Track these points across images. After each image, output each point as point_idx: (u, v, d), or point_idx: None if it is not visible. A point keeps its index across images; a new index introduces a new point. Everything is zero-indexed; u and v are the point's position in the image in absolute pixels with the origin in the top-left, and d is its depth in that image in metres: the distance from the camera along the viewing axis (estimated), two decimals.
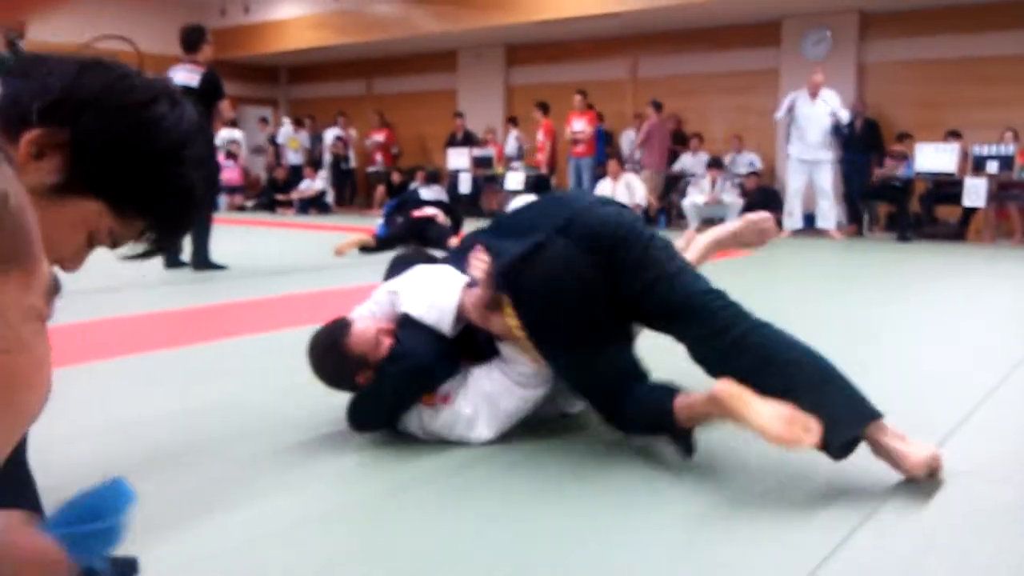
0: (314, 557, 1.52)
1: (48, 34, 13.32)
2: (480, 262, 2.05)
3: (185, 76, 5.82)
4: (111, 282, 5.28)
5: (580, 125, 11.06)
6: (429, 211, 7.09)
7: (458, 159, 11.99)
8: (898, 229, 9.20)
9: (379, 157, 14.16)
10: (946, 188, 9.28)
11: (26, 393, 0.42)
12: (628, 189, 10.45)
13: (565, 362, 2.06)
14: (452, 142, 12.76)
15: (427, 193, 9.98)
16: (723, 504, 1.78)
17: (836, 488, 1.84)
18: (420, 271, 2.27)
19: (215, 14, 15.00)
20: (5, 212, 0.40)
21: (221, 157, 13.19)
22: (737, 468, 1.98)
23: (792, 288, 5.58)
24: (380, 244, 6.83)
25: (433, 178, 11.44)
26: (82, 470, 1.94)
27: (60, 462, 2.05)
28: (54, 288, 0.46)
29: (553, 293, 1.98)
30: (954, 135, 9.28)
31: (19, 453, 1.38)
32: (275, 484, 1.88)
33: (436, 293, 2.13)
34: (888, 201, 9.57)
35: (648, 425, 2.03)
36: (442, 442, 2.10)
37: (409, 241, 6.52)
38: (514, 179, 12.00)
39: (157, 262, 5.91)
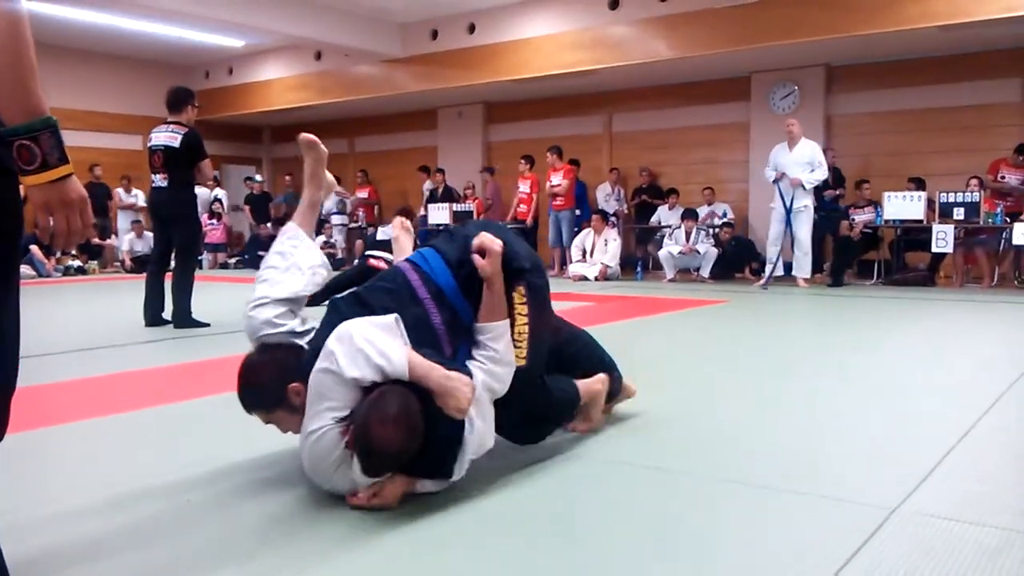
0: None
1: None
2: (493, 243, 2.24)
3: (167, 137, 5.97)
4: (91, 341, 5.38)
5: (557, 179, 11.31)
6: (382, 260, 7.05)
7: (439, 215, 12.20)
8: (873, 274, 9.41)
9: (361, 213, 14.36)
10: (915, 234, 9.53)
11: None
12: (605, 244, 10.67)
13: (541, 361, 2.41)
14: (432, 198, 12.96)
15: (383, 233, 9.82)
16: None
17: (814, 535, 1.91)
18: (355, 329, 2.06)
19: (200, 76, 15.29)
20: None
21: (205, 217, 13.34)
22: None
23: (775, 336, 5.72)
24: (322, 292, 6.86)
25: (405, 213, 11.20)
26: (69, 536, 2.02)
27: (41, 527, 2.14)
28: None
29: (548, 297, 2.44)
30: (916, 182, 9.54)
31: None
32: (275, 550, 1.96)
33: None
34: (862, 248, 9.78)
35: (562, 416, 2.62)
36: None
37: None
38: None
39: (139, 319, 6.01)
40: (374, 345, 1.98)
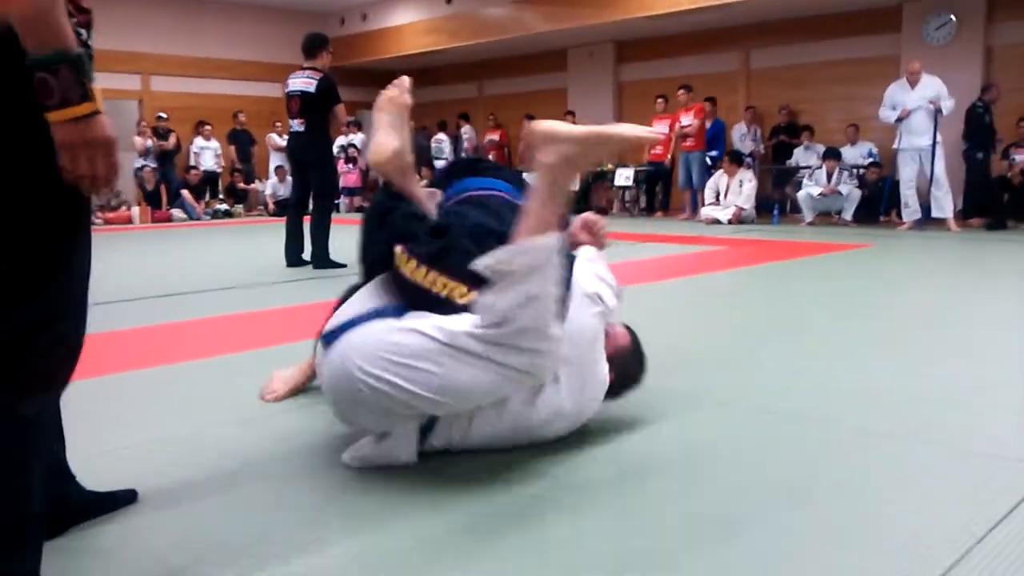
0: None
1: (171, 47, 14.23)
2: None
3: (302, 83, 6.15)
4: (238, 280, 5.66)
5: (687, 119, 11.00)
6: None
7: None
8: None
9: (492, 156, 14.42)
10: None
11: None
12: (740, 186, 10.32)
13: None
14: None
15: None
16: None
17: (962, 492, 1.84)
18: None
19: (335, 23, 15.62)
20: None
21: (340, 162, 13.73)
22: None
23: (923, 281, 5.43)
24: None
25: None
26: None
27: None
28: None
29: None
30: None
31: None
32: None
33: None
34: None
35: None
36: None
37: None
38: (623, 174, 12.02)
39: (280, 259, 6.28)
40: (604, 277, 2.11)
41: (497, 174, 2.32)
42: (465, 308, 1.86)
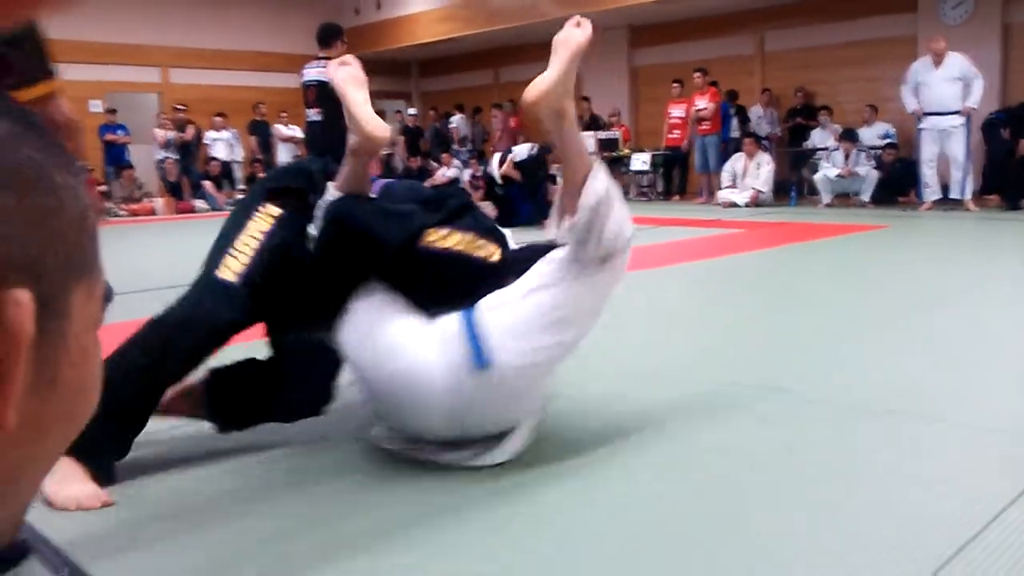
0: None
1: (190, 40, 14.35)
2: None
3: (318, 72, 6.23)
4: None
5: (702, 103, 11.00)
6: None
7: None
8: None
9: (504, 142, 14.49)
10: None
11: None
12: (757, 169, 10.32)
13: None
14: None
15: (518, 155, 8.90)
16: None
17: (974, 469, 1.88)
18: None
19: (350, 13, 15.69)
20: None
21: None
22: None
23: (937, 262, 5.45)
24: None
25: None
26: None
27: None
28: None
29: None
30: None
31: None
32: None
33: None
34: None
35: None
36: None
37: None
38: (640, 159, 12.04)
39: None
40: None
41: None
42: (498, 269, 1.89)
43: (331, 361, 2.04)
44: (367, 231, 1.89)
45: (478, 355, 1.77)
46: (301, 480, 1.87)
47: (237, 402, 2.06)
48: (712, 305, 4.02)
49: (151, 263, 6.11)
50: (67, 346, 0.39)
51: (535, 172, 8.59)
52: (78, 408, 0.41)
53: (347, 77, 2.02)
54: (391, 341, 1.83)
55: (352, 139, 1.94)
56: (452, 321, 1.81)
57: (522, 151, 8.89)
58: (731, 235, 7.01)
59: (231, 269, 1.94)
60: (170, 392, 1.94)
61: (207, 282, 1.96)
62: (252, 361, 2.13)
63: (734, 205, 10.08)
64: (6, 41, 1.04)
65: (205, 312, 1.91)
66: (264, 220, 2.00)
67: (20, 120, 0.38)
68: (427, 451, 1.92)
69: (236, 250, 1.96)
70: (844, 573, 1.38)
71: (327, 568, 1.46)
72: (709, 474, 1.83)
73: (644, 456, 1.94)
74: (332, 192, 1.95)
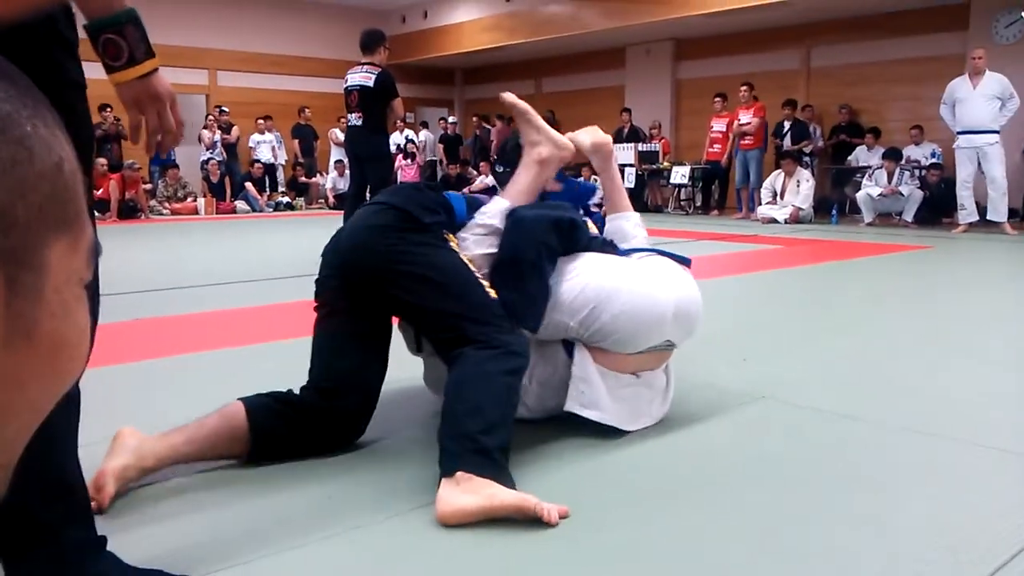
0: None
1: (238, 44, 14.57)
2: None
3: (362, 77, 6.31)
4: (297, 269, 5.80)
5: (746, 117, 10.93)
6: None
7: (624, 155, 12.09)
8: None
9: None
10: None
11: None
12: (798, 185, 10.23)
13: None
14: (618, 138, 12.87)
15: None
16: None
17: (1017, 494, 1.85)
18: None
19: (396, 21, 15.86)
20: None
21: (399, 157, 13.93)
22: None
23: (981, 283, 5.35)
24: None
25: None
26: None
27: None
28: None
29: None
30: None
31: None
32: None
33: None
34: None
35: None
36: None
37: None
38: (679, 172, 11.99)
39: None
40: None
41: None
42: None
43: (372, 394, 2.04)
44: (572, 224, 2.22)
45: (682, 259, 2.34)
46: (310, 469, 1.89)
47: (277, 442, 1.97)
48: (748, 317, 3.98)
49: (191, 262, 6.21)
50: (44, 300, 0.37)
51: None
52: (60, 362, 0.40)
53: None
54: (615, 282, 2.12)
55: (545, 150, 2.43)
56: (642, 254, 2.35)
57: None
58: (769, 251, 6.94)
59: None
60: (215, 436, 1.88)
61: (501, 312, 1.99)
62: (288, 398, 2.02)
63: (773, 221, 9.98)
64: (114, 26, 1.13)
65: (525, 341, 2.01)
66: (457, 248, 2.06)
67: None
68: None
69: (481, 278, 2.02)
70: None
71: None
72: (747, 489, 1.82)
73: (686, 496, 1.93)
74: (501, 202, 2.18)
